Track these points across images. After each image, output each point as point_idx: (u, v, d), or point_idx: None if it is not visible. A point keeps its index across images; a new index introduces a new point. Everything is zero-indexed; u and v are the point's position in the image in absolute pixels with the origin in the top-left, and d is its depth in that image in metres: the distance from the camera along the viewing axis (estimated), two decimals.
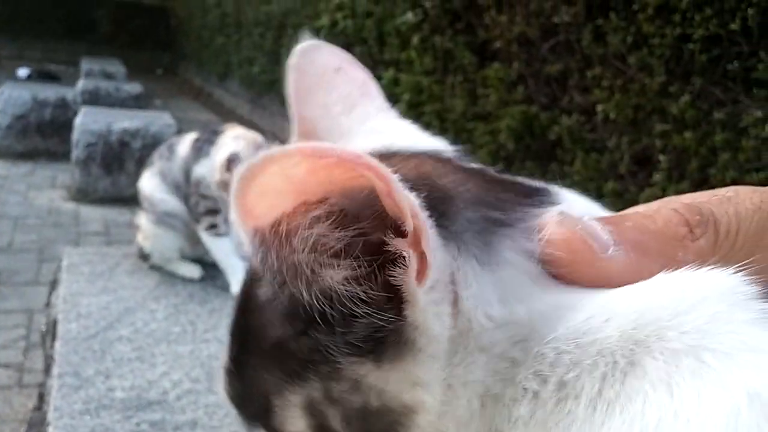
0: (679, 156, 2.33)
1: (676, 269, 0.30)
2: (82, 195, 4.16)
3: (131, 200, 3.99)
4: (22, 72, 7.65)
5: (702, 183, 2.29)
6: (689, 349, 0.27)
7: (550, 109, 2.93)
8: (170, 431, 1.35)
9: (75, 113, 4.41)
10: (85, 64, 7.23)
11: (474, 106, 3.40)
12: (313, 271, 0.29)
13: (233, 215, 0.28)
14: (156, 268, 2.34)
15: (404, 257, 0.29)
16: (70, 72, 7.86)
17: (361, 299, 0.30)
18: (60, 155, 4.74)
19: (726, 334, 0.27)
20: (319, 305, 0.30)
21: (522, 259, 0.31)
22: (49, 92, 5.05)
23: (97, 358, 1.58)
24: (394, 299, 0.30)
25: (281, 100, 6.31)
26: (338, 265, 0.29)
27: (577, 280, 0.31)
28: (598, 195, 2.66)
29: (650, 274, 0.30)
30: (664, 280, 0.30)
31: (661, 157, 2.37)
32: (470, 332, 0.30)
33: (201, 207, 2.22)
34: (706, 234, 0.31)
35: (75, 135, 4.06)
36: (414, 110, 3.93)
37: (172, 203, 2.32)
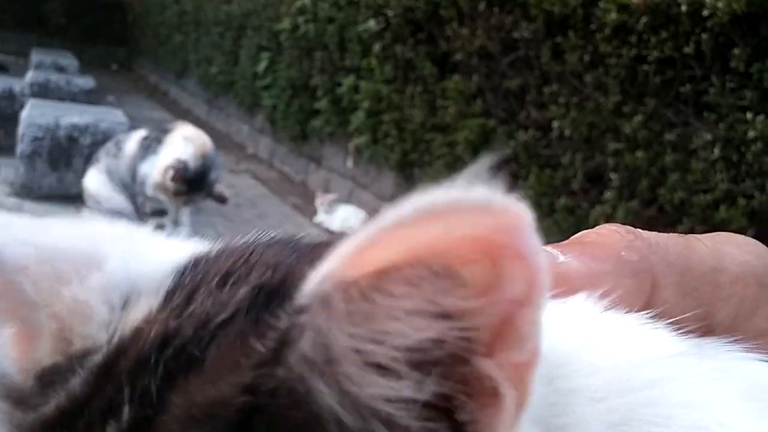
0: (631, 175, 2.38)
1: (628, 268, 0.29)
2: (26, 191, 3.99)
3: (78, 198, 3.86)
4: None
5: (652, 201, 2.34)
6: None
7: (507, 124, 2.96)
8: None
9: (22, 106, 4.25)
10: (36, 56, 6.98)
11: (433, 117, 3.41)
12: (364, 369, 0.20)
13: (326, 267, 0.19)
14: None
15: (492, 389, 0.21)
16: (20, 63, 7.59)
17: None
18: (4, 149, 4.55)
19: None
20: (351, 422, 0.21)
21: None
22: None
23: None
24: None
25: (239, 102, 6.22)
26: (405, 377, 0.20)
27: None
28: (550, 210, 2.69)
29: (606, 275, 0.29)
30: (600, 331, 0.27)
31: (613, 175, 2.42)
32: None
33: (147, 207, 2.17)
34: (638, 239, 0.31)
35: (21, 128, 3.90)
36: (373, 118, 3.92)
37: (119, 201, 2.26)
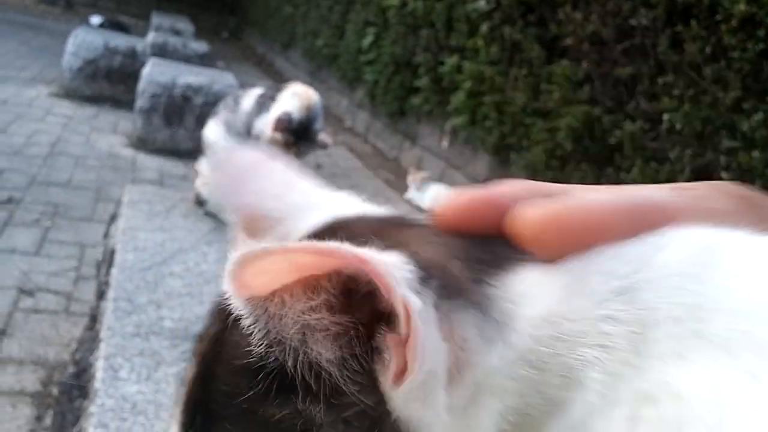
0: (743, 175, 2.29)
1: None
2: (141, 143, 4.28)
3: (186, 154, 4.09)
4: (95, 20, 7.86)
5: None
6: None
7: (614, 113, 2.90)
8: None
9: (143, 64, 4.52)
10: (156, 19, 7.39)
11: (535, 101, 3.38)
12: (302, 343, 0.28)
13: (225, 284, 0.28)
14: (210, 215, 2.41)
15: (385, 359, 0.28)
16: (140, 25, 8.04)
17: (350, 379, 0.28)
18: (124, 103, 4.87)
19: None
20: (305, 378, 0.29)
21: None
22: (120, 41, 5.19)
23: (150, 288, 1.65)
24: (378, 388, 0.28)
25: (340, 75, 6.34)
26: (328, 347, 0.28)
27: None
28: None
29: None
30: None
31: (724, 174, 2.33)
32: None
33: None
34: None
35: (141, 84, 4.17)
36: (473, 99, 3.92)
37: None
